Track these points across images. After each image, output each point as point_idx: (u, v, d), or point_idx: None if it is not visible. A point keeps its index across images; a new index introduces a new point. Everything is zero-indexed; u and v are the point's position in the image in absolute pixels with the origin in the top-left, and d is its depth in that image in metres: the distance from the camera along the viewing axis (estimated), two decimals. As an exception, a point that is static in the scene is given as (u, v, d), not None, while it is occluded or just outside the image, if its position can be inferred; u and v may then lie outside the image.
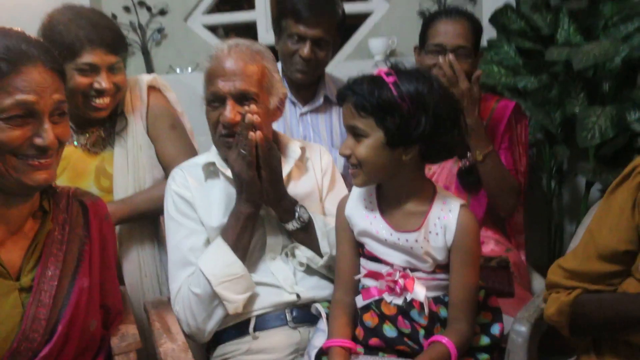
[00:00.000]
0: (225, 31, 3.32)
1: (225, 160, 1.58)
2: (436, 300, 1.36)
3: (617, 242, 1.18)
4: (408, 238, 1.34)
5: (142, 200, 1.81)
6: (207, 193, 1.62)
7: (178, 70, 3.09)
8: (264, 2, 3.06)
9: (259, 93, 1.53)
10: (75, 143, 1.86)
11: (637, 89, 2.48)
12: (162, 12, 3.11)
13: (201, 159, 1.67)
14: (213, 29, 3.24)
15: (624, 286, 1.20)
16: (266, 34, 3.02)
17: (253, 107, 1.48)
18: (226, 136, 1.55)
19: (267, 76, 1.56)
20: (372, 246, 1.40)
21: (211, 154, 1.67)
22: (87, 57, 1.70)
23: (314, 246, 1.58)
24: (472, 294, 1.34)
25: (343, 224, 1.46)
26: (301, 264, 1.59)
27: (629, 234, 1.17)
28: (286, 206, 1.56)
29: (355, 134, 1.30)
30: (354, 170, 1.35)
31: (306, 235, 1.58)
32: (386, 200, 1.40)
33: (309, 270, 1.60)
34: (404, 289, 1.33)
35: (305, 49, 2.03)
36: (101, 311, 1.39)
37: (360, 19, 3.12)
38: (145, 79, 1.94)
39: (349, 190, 1.84)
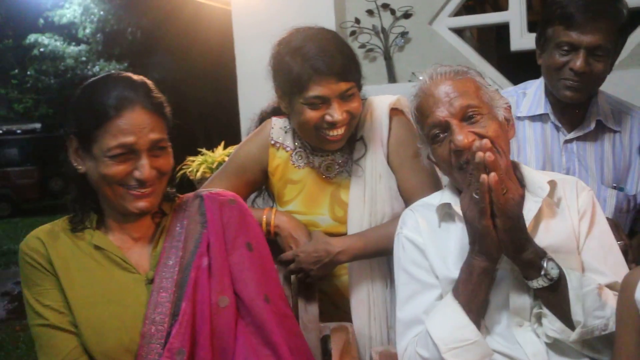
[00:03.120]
0: (473, 34, 3.06)
1: None
2: None
3: None
4: None
5: (379, 236, 1.68)
6: (442, 238, 1.42)
7: (421, 78, 2.91)
8: (520, 1, 2.73)
9: (481, 105, 1.35)
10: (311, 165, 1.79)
11: None
12: (407, 15, 2.97)
13: (435, 199, 1.48)
14: (459, 32, 3.00)
15: None
16: (520, 38, 2.71)
17: (485, 142, 1.26)
18: (462, 165, 1.35)
19: (482, 88, 1.39)
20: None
21: (446, 193, 1.47)
22: (316, 90, 1.59)
23: (563, 311, 1.27)
24: None
25: (630, 309, 1.14)
26: (548, 337, 1.30)
27: None
28: (530, 259, 1.28)
29: None
30: None
31: (555, 296, 1.28)
32: None
33: (560, 346, 1.30)
34: None
35: (578, 61, 1.69)
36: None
37: (636, 15, 2.61)
38: (388, 100, 1.78)
39: (618, 238, 1.48)
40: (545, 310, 1.31)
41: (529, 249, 1.28)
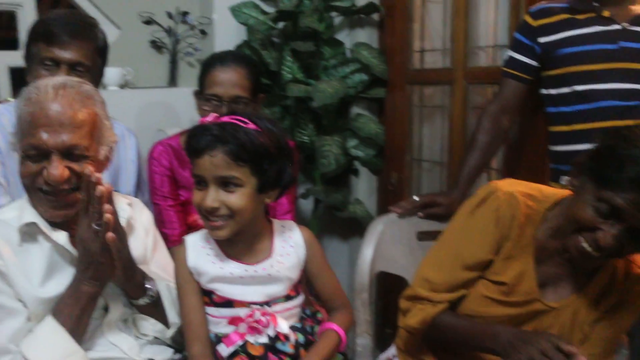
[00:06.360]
0: None
1: (51, 223, 1.38)
2: (293, 328, 1.43)
3: (484, 253, 1.42)
4: (264, 266, 1.40)
5: None
6: (25, 259, 1.36)
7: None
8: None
9: (89, 146, 1.36)
10: None
11: (351, 120, 2.95)
12: None
13: (10, 214, 1.40)
14: None
15: (477, 287, 1.46)
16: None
17: (98, 177, 1.28)
18: (47, 193, 1.35)
19: (98, 125, 1.40)
20: (225, 290, 1.39)
21: (26, 211, 1.39)
22: None
23: (162, 318, 1.47)
24: (339, 285, 1.52)
25: (186, 277, 1.40)
26: (145, 335, 1.47)
27: (493, 246, 1.42)
28: (137, 282, 1.42)
29: (228, 184, 1.30)
30: (222, 223, 1.31)
31: (156, 308, 1.46)
32: (230, 242, 1.39)
33: (153, 340, 1.49)
34: (267, 326, 1.37)
35: (61, 75, 1.69)
36: None
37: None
38: None
39: None
40: (147, 317, 1.45)
41: (137, 273, 1.41)
